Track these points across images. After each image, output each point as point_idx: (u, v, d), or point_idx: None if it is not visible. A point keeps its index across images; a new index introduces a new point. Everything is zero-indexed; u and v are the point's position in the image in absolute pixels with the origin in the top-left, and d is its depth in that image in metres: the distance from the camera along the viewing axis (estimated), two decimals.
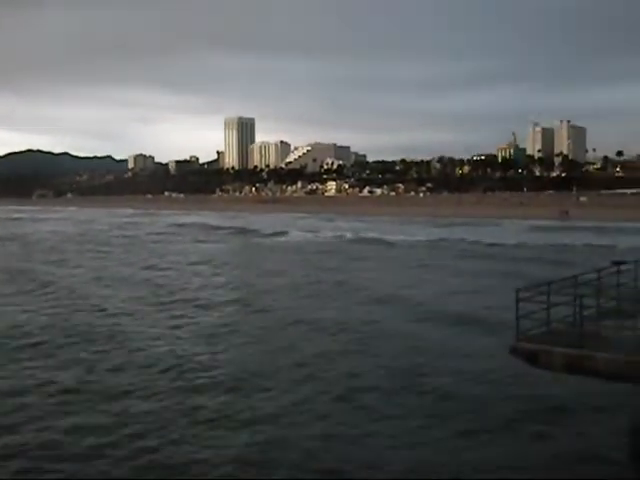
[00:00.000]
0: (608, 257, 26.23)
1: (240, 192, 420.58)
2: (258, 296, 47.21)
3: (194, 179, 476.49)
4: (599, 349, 14.40)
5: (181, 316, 39.38)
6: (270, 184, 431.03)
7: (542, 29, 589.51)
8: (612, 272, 18.65)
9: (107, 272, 62.19)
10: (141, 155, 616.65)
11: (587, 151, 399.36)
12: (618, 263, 18.87)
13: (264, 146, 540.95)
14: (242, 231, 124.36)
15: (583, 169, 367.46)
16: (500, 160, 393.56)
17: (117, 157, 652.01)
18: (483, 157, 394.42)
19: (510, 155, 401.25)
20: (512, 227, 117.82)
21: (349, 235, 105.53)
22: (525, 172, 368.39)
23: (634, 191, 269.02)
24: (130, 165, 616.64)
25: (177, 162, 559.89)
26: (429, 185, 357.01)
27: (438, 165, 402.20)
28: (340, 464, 17.41)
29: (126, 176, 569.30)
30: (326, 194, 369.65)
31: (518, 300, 14.99)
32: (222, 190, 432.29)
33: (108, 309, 41.52)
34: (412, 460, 17.66)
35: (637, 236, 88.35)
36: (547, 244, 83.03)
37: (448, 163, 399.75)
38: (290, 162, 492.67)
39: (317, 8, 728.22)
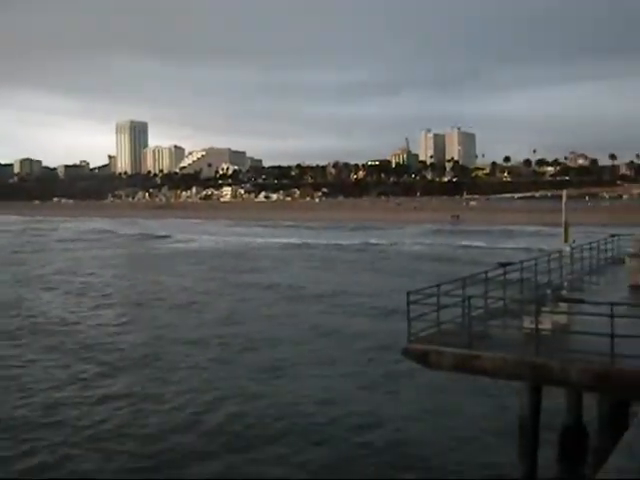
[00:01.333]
0: (496, 259, 27.06)
1: (133, 198, 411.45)
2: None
3: (84, 184, 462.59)
4: (486, 348, 14.77)
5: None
6: (164, 189, 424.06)
7: (436, 38, 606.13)
8: (499, 273, 19.23)
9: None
10: (28, 159, 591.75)
11: (477, 157, 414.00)
12: (504, 265, 19.48)
13: (157, 150, 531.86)
14: (149, 237, 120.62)
15: (473, 174, 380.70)
16: (394, 165, 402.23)
17: (2, 161, 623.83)
18: (377, 162, 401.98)
19: (403, 160, 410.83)
20: (409, 231, 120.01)
21: (257, 240, 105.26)
22: (418, 177, 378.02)
23: (520, 195, 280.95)
24: (16, 170, 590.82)
25: (66, 167, 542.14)
26: (325, 190, 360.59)
27: (333, 170, 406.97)
28: None
29: (11, 181, 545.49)
30: (221, 199, 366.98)
31: (409, 302, 15.20)
32: (114, 196, 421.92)
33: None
34: None
35: (523, 238, 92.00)
36: (444, 246, 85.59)
37: (343, 168, 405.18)
38: (184, 167, 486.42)
39: (211, 12, 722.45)
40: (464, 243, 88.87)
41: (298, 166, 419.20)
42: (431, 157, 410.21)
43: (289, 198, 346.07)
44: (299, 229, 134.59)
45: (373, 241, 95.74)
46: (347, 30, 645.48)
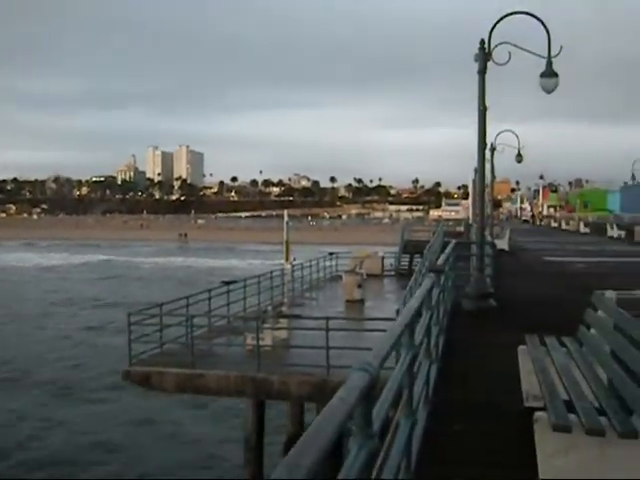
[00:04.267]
0: (222, 277, 27.37)
1: None
2: None
3: None
4: (210, 367, 14.77)
5: None
6: None
7: (164, 55, 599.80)
8: (223, 291, 19.42)
9: None
10: None
11: (205, 176, 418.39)
12: (228, 283, 19.73)
13: None
14: None
15: (201, 193, 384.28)
16: (120, 182, 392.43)
17: None
18: (102, 178, 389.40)
19: (130, 177, 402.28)
20: (141, 250, 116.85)
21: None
22: (145, 195, 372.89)
23: (248, 214, 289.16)
24: None
25: None
26: (44, 206, 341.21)
27: (54, 185, 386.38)
28: None
29: None
30: None
31: (130, 323, 14.75)
32: None
33: None
34: None
35: (249, 256, 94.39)
36: (172, 265, 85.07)
37: (65, 183, 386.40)
38: None
39: None
40: (191, 261, 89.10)
41: (14, 180, 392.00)
42: (159, 175, 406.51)
43: (4, 214, 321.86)
44: (25, 247, 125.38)
45: (113, 259, 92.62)
46: (70, 42, 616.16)
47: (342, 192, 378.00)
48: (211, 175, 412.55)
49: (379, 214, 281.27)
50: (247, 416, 16.93)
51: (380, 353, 2.80)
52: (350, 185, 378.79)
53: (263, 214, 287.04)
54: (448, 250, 12.18)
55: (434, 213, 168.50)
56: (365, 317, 20.71)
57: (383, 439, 3.40)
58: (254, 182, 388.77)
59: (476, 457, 5.58)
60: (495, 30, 13.34)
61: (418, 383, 5.22)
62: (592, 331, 6.15)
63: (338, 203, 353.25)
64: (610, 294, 6.25)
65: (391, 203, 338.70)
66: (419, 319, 5.55)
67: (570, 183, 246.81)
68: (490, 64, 13.33)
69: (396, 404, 4.09)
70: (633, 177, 58.50)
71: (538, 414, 4.44)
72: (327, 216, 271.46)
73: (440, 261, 9.97)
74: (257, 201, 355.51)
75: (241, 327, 17.27)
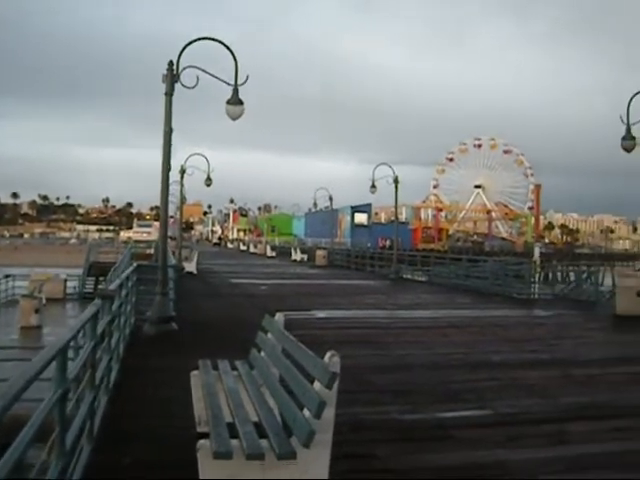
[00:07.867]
0: None
1: None
2: None
3: None
4: None
5: None
6: None
7: None
8: None
9: None
10: None
11: None
12: None
13: None
14: None
15: None
16: None
17: None
18: None
19: None
20: None
21: None
22: None
23: None
24: None
25: None
26: None
27: None
28: None
29: None
30: None
31: None
32: None
33: None
34: None
35: None
36: None
37: None
38: None
39: None
40: None
41: None
42: None
43: None
44: None
45: None
46: None
47: (25, 209, 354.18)
48: None
49: (66, 234, 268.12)
50: None
51: (9, 392, 2.48)
52: (34, 202, 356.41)
53: None
54: (126, 273, 11.80)
55: (125, 234, 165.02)
56: (41, 345, 19.42)
57: None
58: None
59: None
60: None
61: (78, 418, 4.87)
62: (262, 354, 6.27)
63: (20, 221, 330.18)
64: (279, 317, 6.43)
65: (79, 222, 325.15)
66: (82, 348, 5.22)
67: (260, 208, 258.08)
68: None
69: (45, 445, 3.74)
70: (315, 204, 62.93)
71: (201, 442, 4.36)
72: (7, 235, 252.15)
73: (113, 286, 9.56)
74: None
75: None
